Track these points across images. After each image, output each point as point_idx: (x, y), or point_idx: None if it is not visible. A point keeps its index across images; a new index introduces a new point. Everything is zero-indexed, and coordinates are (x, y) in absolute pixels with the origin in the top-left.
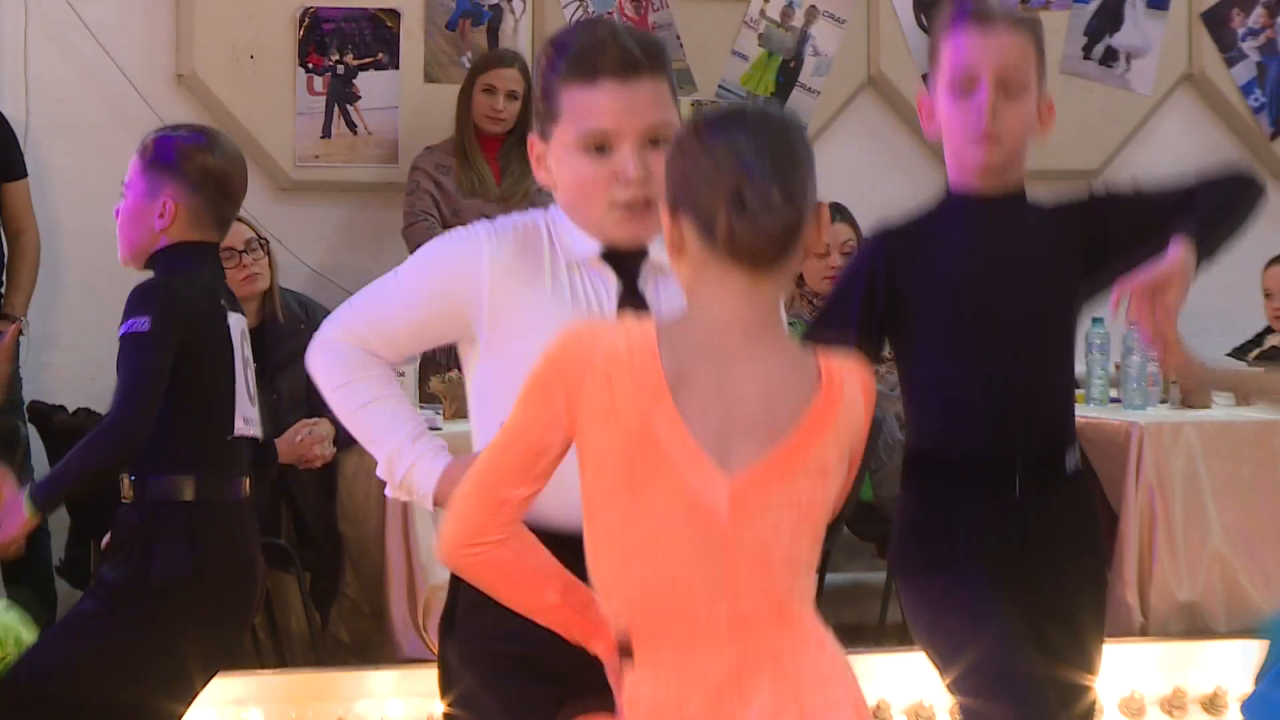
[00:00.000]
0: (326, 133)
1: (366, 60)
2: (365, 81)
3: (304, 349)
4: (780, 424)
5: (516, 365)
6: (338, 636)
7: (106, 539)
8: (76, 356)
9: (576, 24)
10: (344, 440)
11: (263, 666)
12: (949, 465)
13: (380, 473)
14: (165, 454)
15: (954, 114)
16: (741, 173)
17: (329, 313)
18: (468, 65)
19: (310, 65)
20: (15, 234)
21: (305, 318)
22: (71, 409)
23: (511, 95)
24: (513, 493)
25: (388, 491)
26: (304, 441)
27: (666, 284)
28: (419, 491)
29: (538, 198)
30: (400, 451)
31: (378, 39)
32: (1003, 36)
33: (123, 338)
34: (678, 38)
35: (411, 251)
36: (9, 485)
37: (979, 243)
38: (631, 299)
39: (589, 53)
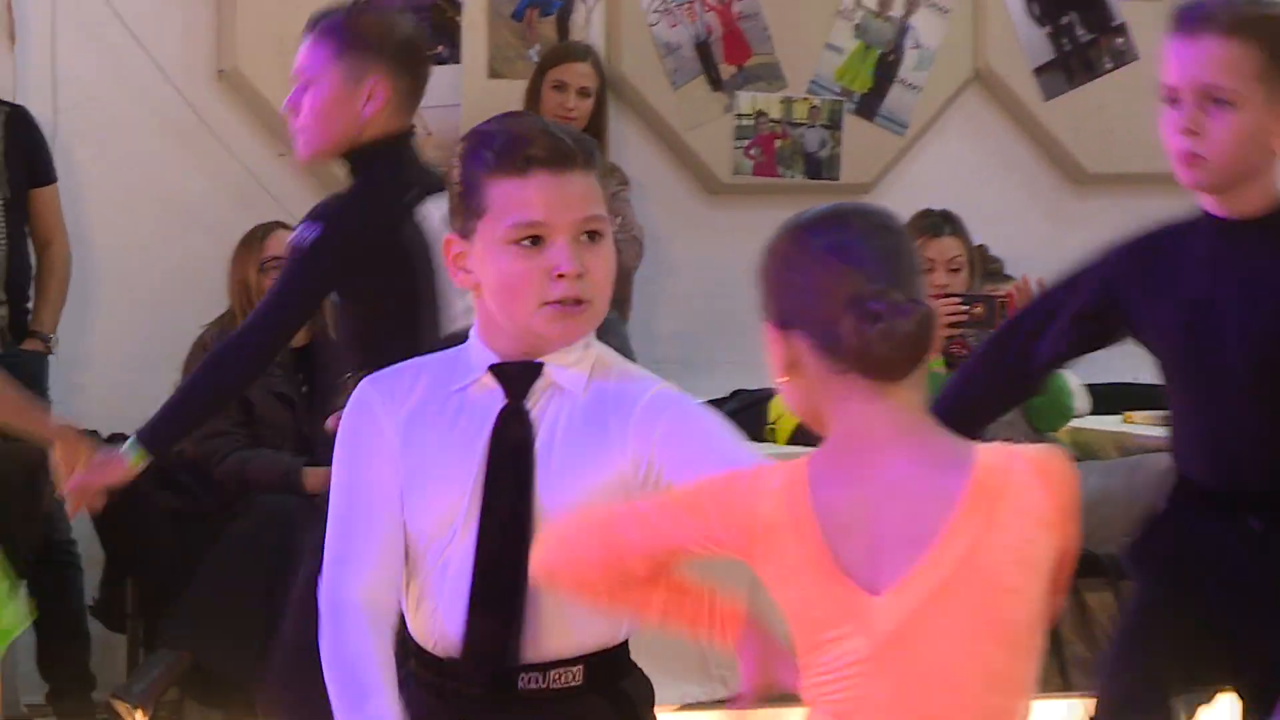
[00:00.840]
0: None
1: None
2: None
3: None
4: (923, 530)
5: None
6: None
7: None
8: (109, 377)
9: (499, 116)
10: None
11: None
12: (1184, 489)
13: None
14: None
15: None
16: (861, 278)
17: None
18: (535, 59)
19: None
20: (44, 244)
21: None
22: (105, 434)
23: (583, 92)
24: (633, 566)
25: None
26: None
27: (560, 399)
28: None
29: (612, 202)
30: None
31: (438, 30)
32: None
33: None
34: (765, 29)
35: None
36: (87, 445)
37: (1212, 269)
38: (514, 416)
39: (519, 144)
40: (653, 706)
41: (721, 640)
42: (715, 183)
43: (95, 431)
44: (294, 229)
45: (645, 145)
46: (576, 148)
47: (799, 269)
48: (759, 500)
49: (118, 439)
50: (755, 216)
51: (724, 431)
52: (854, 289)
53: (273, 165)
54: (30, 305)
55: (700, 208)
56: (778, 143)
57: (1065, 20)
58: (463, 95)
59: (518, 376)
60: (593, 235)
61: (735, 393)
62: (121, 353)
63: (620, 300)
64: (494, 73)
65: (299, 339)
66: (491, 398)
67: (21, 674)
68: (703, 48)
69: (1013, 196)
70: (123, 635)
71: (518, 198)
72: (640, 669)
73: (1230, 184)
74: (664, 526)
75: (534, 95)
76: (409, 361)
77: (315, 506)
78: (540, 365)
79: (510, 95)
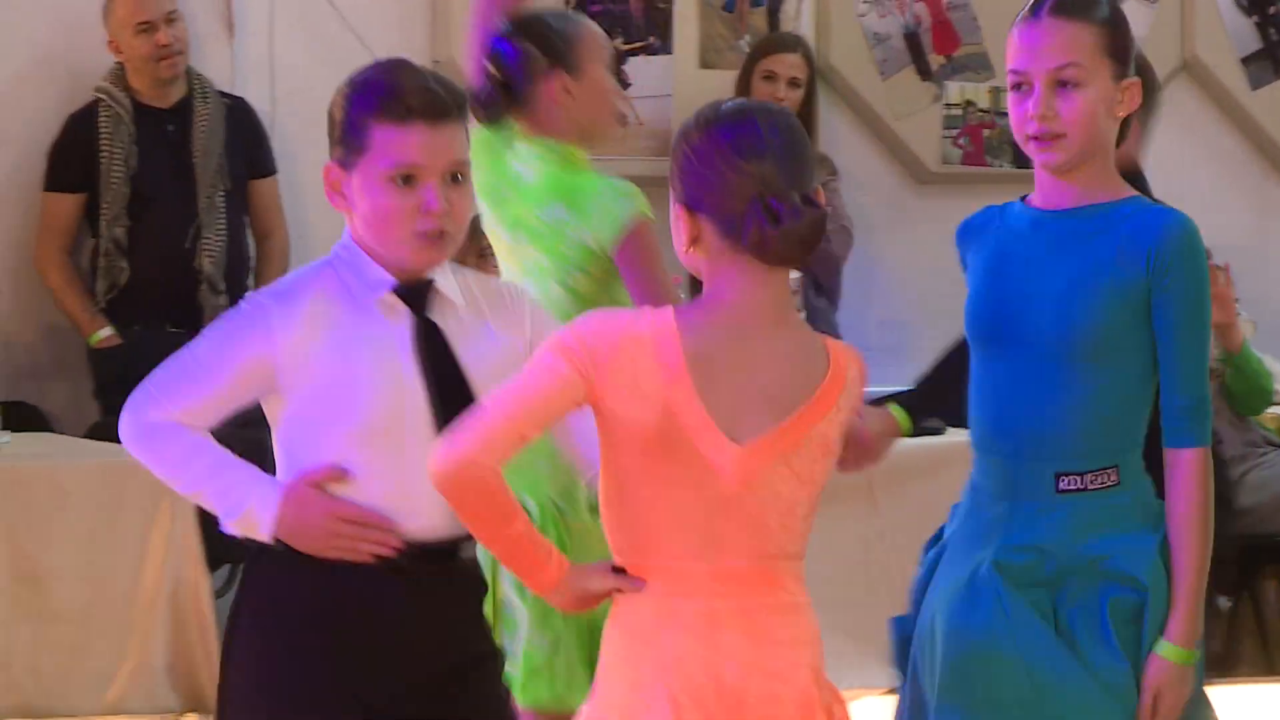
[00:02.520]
0: None
1: (637, 45)
2: (636, 67)
3: None
4: (789, 401)
5: (320, 409)
6: None
7: None
8: None
9: (380, 64)
10: None
11: None
12: None
13: (217, 510)
14: None
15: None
16: (766, 183)
17: None
18: (746, 50)
19: None
20: (264, 235)
21: None
22: None
23: (794, 83)
24: (523, 430)
25: (225, 527)
26: None
27: (454, 315)
28: (260, 515)
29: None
30: (233, 486)
31: (649, 22)
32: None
33: None
34: (974, 20)
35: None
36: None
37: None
38: (425, 330)
39: (402, 94)
40: None
41: (532, 583)
42: (924, 172)
43: None
44: None
45: (854, 135)
46: (451, 101)
47: (709, 163)
48: (619, 343)
49: None
50: (964, 206)
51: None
52: (758, 188)
53: None
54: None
55: (909, 197)
56: (986, 132)
57: (1273, 10)
58: (674, 86)
59: (419, 293)
60: (456, 177)
61: None
62: None
63: (829, 290)
64: (705, 63)
65: None
66: (394, 312)
67: None
68: (912, 38)
69: (1219, 186)
70: None
71: (397, 142)
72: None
73: (1083, 161)
74: (541, 381)
75: (744, 85)
76: (302, 283)
77: None
78: (431, 281)
79: (721, 86)
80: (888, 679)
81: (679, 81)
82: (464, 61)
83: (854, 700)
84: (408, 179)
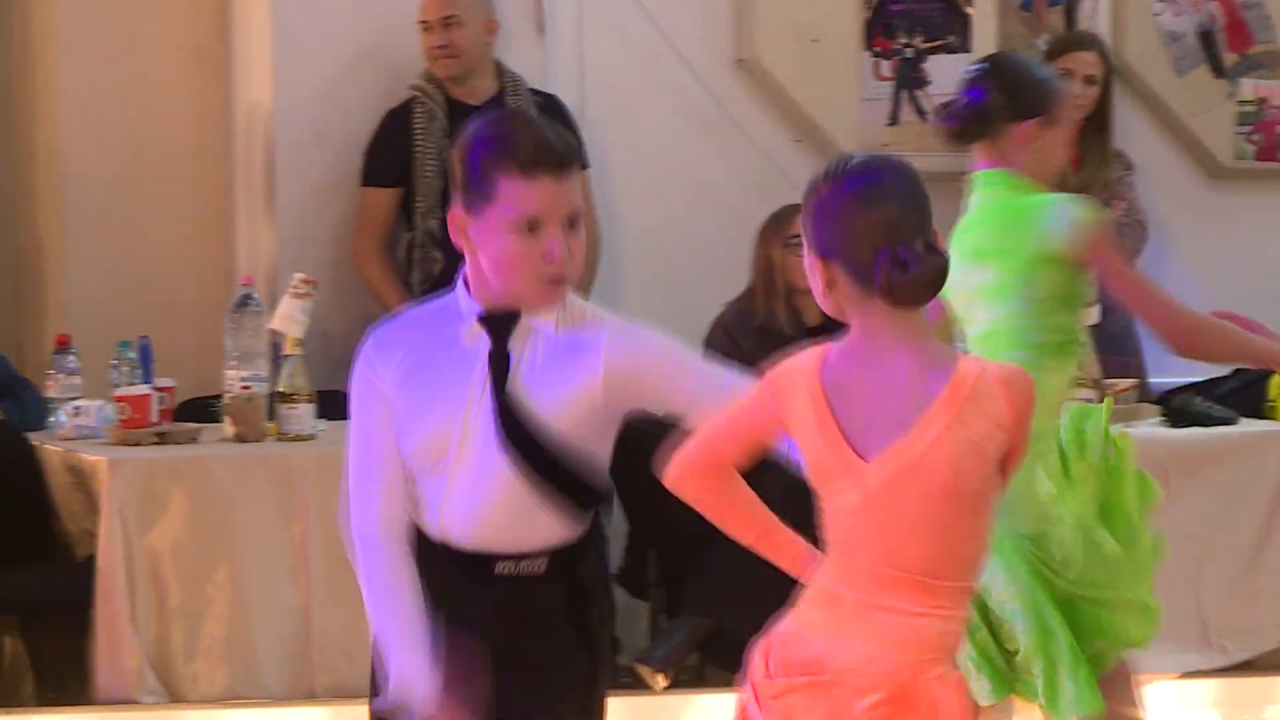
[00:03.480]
0: (894, 120)
1: (937, 43)
2: (935, 66)
3: None
4: (907, 416)
5: (400, 426)
6: None
7: None
8: None
9: (501, 116)
10: None
11: None
12: None
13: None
14: None
15: None
16: (893, 233)
17: None
18: (1043, 48)
19: (877, 49)
20: None
21: None
22: None
23: (1089, 80)
24: (722, 450)
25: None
26: None
27: (534, 341)
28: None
29: (1117, 188)
30: (391, 656)
31: (949, 21)
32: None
33: None
34: (1268, 19)
35: None
36: None
37: None
38: (498, 355)
39: (528, 149)
40: (606, 586)
41: (786, 569)
42: (1217, 168)
43: None
44: None
45: (1149, 131)
46: (570, 155)
47: (837, 214)
48: (794, 380)
49: None
50: (1257, 201)
51: (667, 341)
52: (885, 237)
53: (790, 152)
54: None
55: (1203, 192)
56: (1279, 129)
57: None
58: None
59: (501, 323)
60: (573, 224)
61: (1236, 371)
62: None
63: None
64: None
65: (813, 318)
66: (479, 341)
67: None
68: (1206, 36)
69: None
70: (645, 602)
71: (523, 194)
72: (595, 556)
73: None
74: (745, 413)
75: None
76: (406, 314)
77: None
78: (518, 313)
79: None
80: (1179, 664)
81: None
82: (767, 61)
83: (1146, 685)
84: (532, 227)
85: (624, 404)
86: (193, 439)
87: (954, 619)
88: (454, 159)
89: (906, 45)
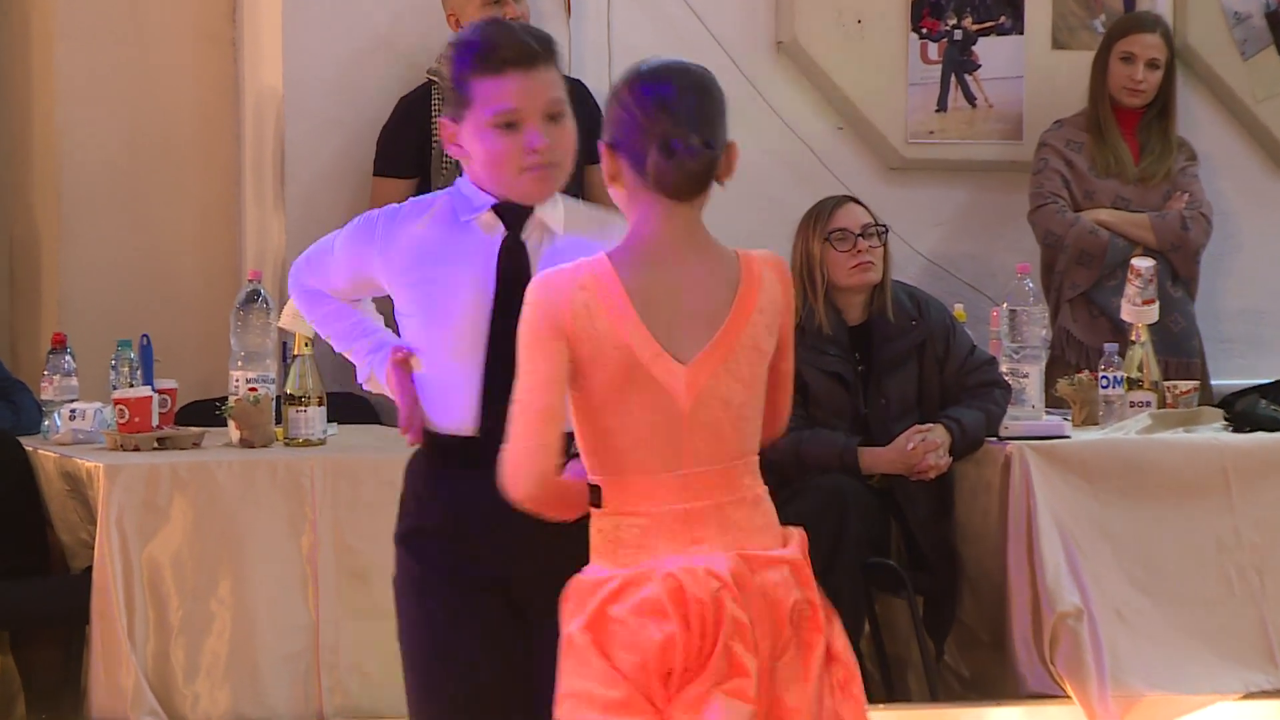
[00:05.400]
0: (942, 105)
1: (987, 24)
2: (985, 48)
3: (914, 348)
4: (717, 315)
5: (406, 304)
6: (955, 669)
7: None
8: None
9: (474, 24)
10: (961, 448)
11: (871, 700)
12: None
13: (360, 376)
14: None
15: None
16: (668, 125)
17: (943, 307)
18: (1100, 29)
19: (924, 30)
20: None
21: (917, 313)
22: None
23: (1152, 64)
24: (555, 436)
25: (363, 384)
26: (916, 450)
27: (549, 240)
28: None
29: (1180, 179)
30: (361, 354)
31: (999, 0)
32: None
33: None
34: None
35: (1039, 238)
36: None
37: None
38: (513, 244)
39: (494, 48)
40: None
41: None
42: None
43: None
44: (861, 204)
45: (1214, 118)
46: (540, 47)
47: (628, 107)
48: (568, 296)
49: None
50: None
51: None
52: (661, 129)
53: (832, 139)
54: None
55: (1270, 183)
56: None
57: None
58: (1025, 66)
59: (515, 214)
60: (555, 116)
61: None
62: None
63: (1187, 279)
64: (1058, 43)
65: (855, 317)
66: (492, 229)
67: None
68: (1273, 16)
69: None
70: None
71: (496, 92)
72: None
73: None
74: (543, 388)
75: (1101, 66)
76: (416, 200)
77: (869, 489)
78: (532, 209)
79: (1074, 66)
80: (1242, 684)
81: (1030, 62)
82: (808, 44)
83: (1206, 706)
84: (510, 124)
85: None
86: (196, 444)
87: (765, 492)
88: (439, 73)
89: (955, 26)
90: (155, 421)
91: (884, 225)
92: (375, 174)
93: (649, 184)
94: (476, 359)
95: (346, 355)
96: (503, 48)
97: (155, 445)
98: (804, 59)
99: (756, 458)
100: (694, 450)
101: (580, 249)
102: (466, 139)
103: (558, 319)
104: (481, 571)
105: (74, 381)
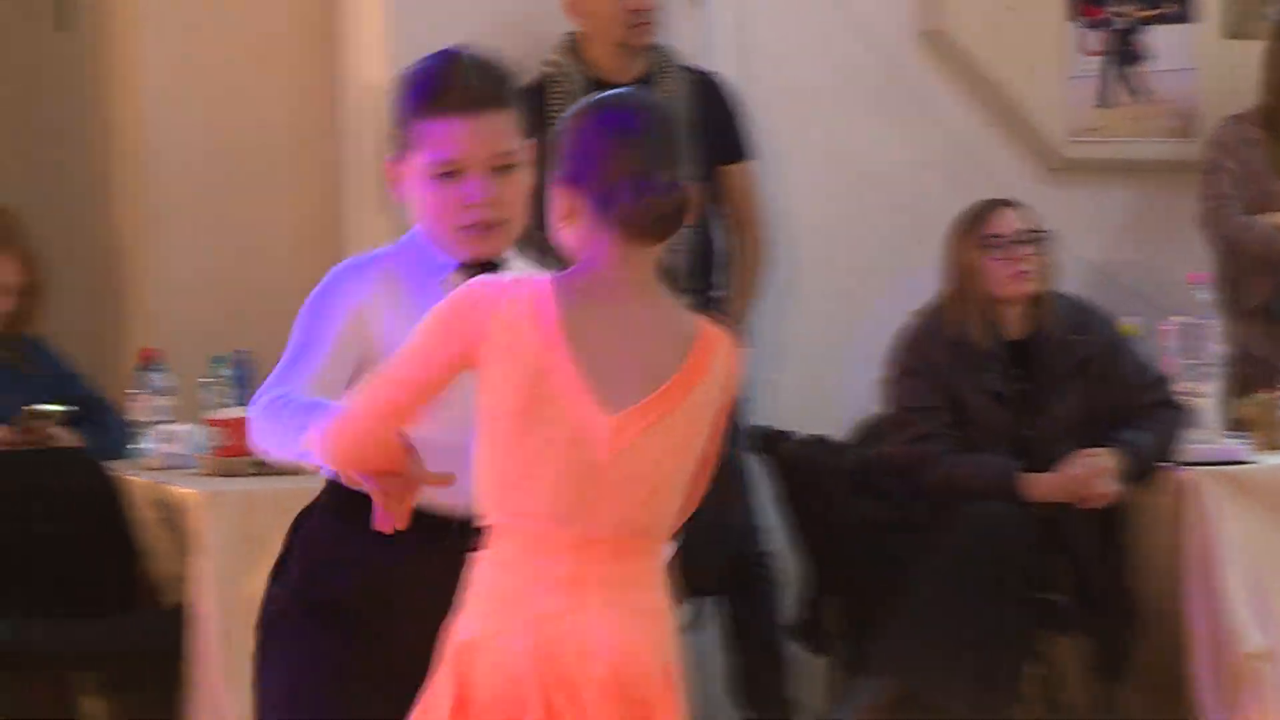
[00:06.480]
0: (1104, 101)
1: (1154, 12)
2: (1155, 38)
3: (1079, 365)
4: (659, 372)
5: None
6: (1128, 713)
7: None
8: (809, 373)
9: (427, 57)
10: (1132, 474)
11: None
12: None
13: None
14: None
15: None
16: (636, 160)
17: (1109, 320)
18: (1275, 19)
19: (1085, 19)
20: (739, 226)
21: (1081, 327)
22: (800, 435)
23: None
24: (399, 425)
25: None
26: (1082, 476)
27: None
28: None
29: None
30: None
31: None
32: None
33: None
34: None
35: (1212, 244)
36: None
37: None
38: None
39: (439, 89)
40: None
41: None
42: None
43: (790, 433)
44: (1019, 206)
45: None
46: (489, 91)
47: (590, 142)
48: (499, 305)
49: (814, 443)
50: None
51: None
52: (631, 168)
53: (982, 135)
54: (718, 294)
55: None
56: None
57: None
58: (1196, 57)
59: (484, 269)
60: (503, 169)
61: None
62: (822, 344)
63: None
64: (1232, 32)
65: (1013, 331)
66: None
67: (710, 697)
68: None
69: None
70: (824, 659)
71: (435, 137)
72: None
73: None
74: (418, 368)
75: (1275, 58)
76: (373, 255)
77: (1029, 515)
78: (497, 264)
79: (1249, 57)
80: None
81: (1202, 53)
82: (956, 32)
83: None
84: (450, 174)
85: None
86: (297, 469)
87: (661, 587)
88: (388, 111)
89: (1118, 14)
90: None
91: (1043, 231)
92: None
93: (612, 222)
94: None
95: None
96: (447, 89)
97: (253, 470)
98: (952, 50)
99: (661, 551)
100: (598, 509)
101: None
102: (407, 184)
103: (474, 320)
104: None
105: (165, 401)
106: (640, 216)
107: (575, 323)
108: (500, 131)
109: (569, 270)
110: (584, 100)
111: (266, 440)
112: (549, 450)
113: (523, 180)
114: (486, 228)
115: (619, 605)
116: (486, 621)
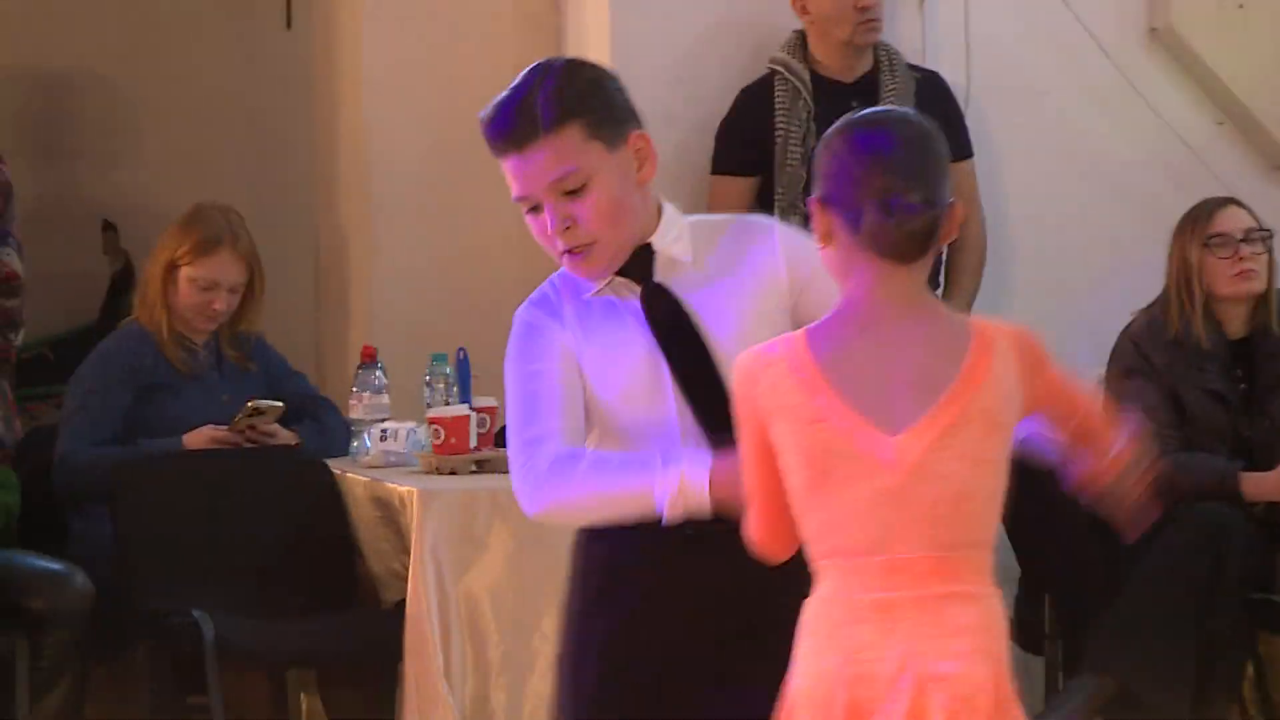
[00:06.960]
0: None
1: None
2: None
3: None
4: (937, 382)
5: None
6: None
7: None
8: None
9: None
10: None
11: None
12: None
13: (645, 508)
14: None
15: None
16: (887, 179)
17: None
18: None
19: None
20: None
21: None
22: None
23: None
24: (789, 513)
25: (665, 516)
26: None
27: (684, 271)
28: (695, 493)
29: None
30: (658, 473)
31: None
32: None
33: None
34: None
35: None
36: None
37: None
38: (656, 292)
39: (485, 131)
40: None
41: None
42: None
43: None
44: (1244, 204)
45: None
46: (525, 125)
47: (841, 161)
48: (758, 378)
49: None
50: None
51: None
52: (880, 186)
53: (1211, 135)
54: (935, 292)
55: None
56: None
57: None
58: None
59: (636, 263)
60: (573, 191)
61: None
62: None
63: None
64: None
65: (1236, 330)
66: (623, 290)
67: None
68: None
69: None
70: (1040, 658)
71: (510, 178)
72: None
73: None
74: (764, 482)
75: None
76: (543, 292)
77: (1249, 515)
78: (649, 245)
79: None
80: None
81: None
82: (1185, 30)
83: None
84: (532, 209)
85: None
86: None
87: (993, 594)
88: None
89: None
90: (473, 443)
91: (1269, 229)
92: (714, 172)
93: (864, 243)
94: (665, 426)
95: (630, 502)
96: (490, 132)
97: (473, 468)
98: (1180, 47)
99: (986, 553)
100: (904, 532)
101: (734, 280)
102: None
103: (748, 402)
104: None
105: (385, 399)
106: (889, 235)
107: (835, 362)
108: (550, 159)
109: (832, 310)
110: (842, 118)
111: (570, 505)
112: (847, 488)
113: (601, 192)
114: (574, 254)
115: (934, 626)
116: (807, 662)
